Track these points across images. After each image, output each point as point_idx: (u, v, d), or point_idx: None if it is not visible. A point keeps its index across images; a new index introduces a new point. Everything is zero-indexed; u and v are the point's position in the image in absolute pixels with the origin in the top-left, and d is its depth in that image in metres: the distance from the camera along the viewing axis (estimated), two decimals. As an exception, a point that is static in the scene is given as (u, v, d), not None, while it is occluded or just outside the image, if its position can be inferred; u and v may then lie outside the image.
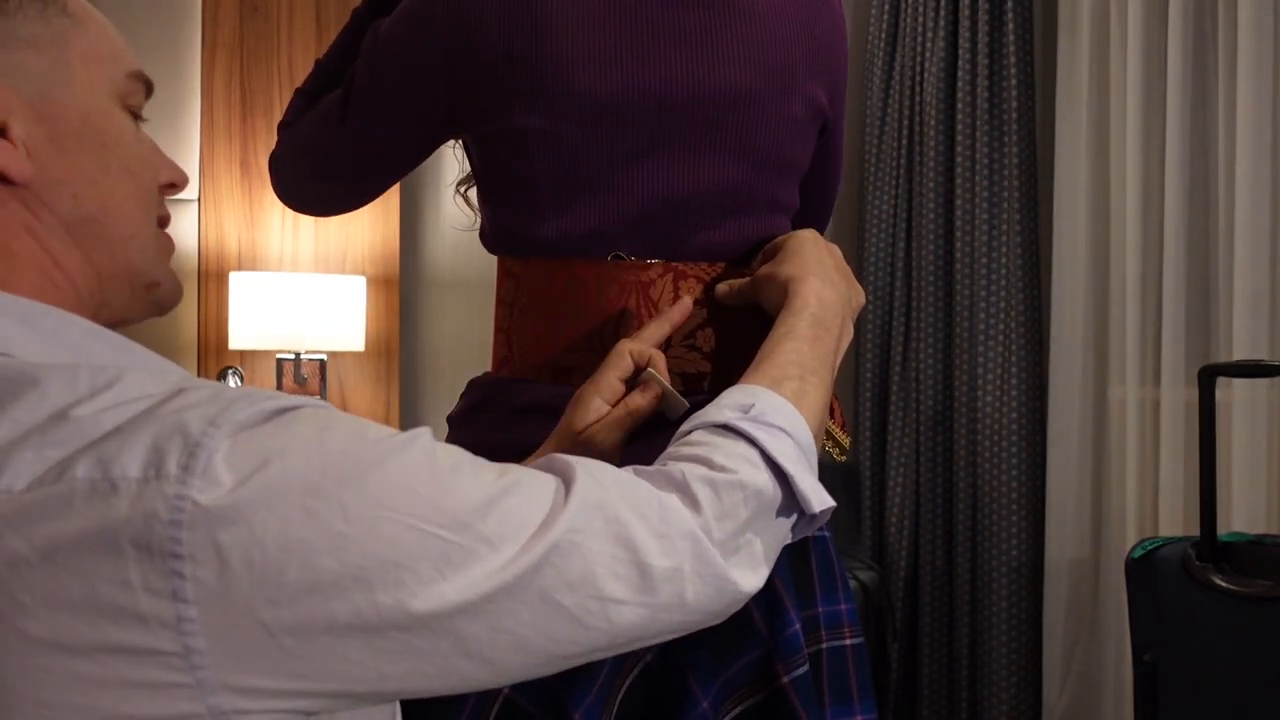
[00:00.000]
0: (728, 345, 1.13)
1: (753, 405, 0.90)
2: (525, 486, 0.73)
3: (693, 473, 0.82)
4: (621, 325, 1.11)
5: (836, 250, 1.11)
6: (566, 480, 0.75)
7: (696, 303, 1.12)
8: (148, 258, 0.81)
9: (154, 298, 0.82)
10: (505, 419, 1.14)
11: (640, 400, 1.04)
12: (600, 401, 1.04)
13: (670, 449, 0.89)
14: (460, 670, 0.69)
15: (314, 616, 0.64)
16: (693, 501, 0.81)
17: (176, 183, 0.84)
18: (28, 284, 0.75)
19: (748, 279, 1.11)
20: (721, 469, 0.84)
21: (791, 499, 0.88)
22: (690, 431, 0.90)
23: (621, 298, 1.11)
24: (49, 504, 0.62)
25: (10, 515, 0.62)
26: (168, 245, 0.84)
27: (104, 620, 0.61)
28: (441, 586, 0.66)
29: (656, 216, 1.11)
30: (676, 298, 1.11)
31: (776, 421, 0.90)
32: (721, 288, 1.12)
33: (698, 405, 1.12)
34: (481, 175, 1.16)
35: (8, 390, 0.66)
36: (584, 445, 1.02)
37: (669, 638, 0.80)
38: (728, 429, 0.88)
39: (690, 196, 1.11)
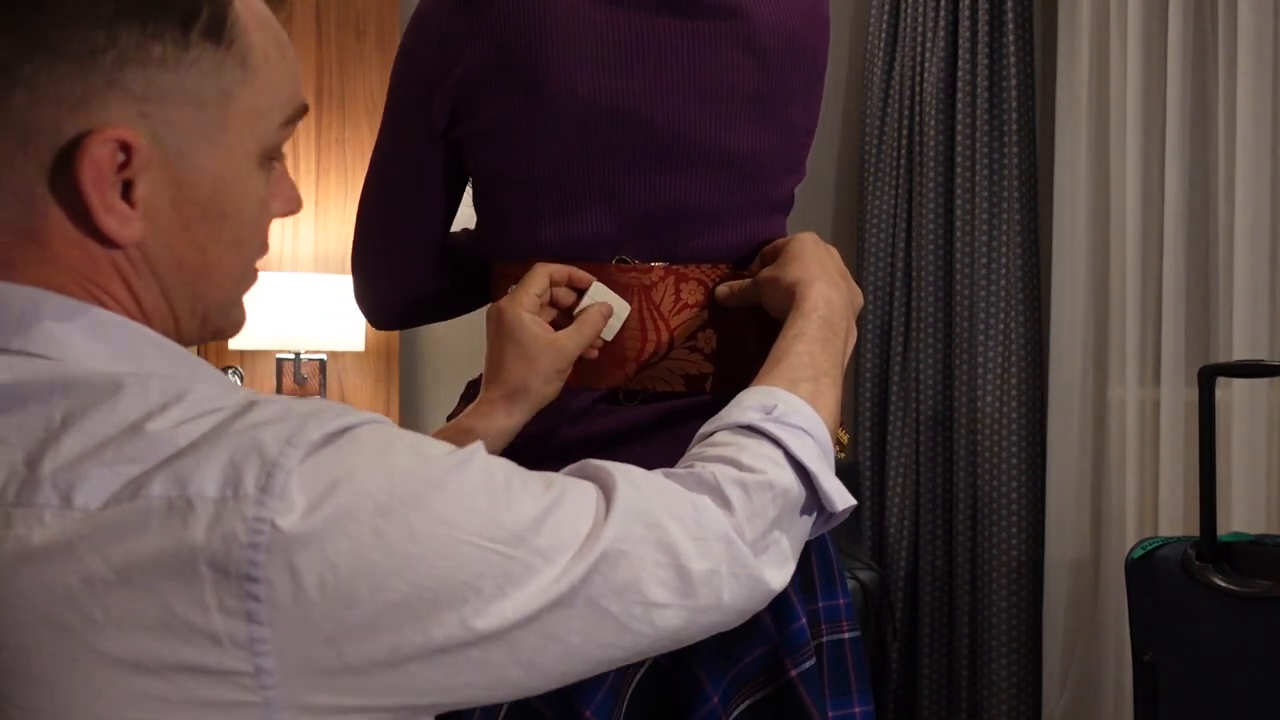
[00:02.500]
0: (729, 346, 1.14)
1: (775, 406, 0.92)
2: (570, 497, 0.74)
3: (723, 474, 0.84)
4: (624, 327, 1.12)
5: (835, 252, 1.13)
6: (606, 488, 0.77)
7: (698, 304, 1.13)
8: (224, 311, 0.80)
9: (213, 332, 0.81)
10: None
11: (596, 317, 1.09)
12: (530, 315, 1.07)
13: (695, 449, 0.91)
14: (511, 679, 0.71)
15: (382, 637, 0.65)
16: (725, 502, 0.83)
17: (289, 213, 0.82)
18: (109, 303, 0.73)
19: (749, 281, 1.12)
20: (750, 469, 0.86)
21: (814, 497, 0.91)
22: (713, 432, 0.92)
23: (624, 300, 1.12)
24: (125, 523, 0.62)
25: (87, 534, 0.62)
26: (251, 281, 0.82)
27: (177, 640, 0.62)
28: (502, 603, 0.68)
29: (659, 221, 1.12)
30: (678, 299, 1.12)
31: (798, 422, 0.92)
32: (722, 289, 1.13)
33: (700, 405, 1.13)
34: (479, 180, 1.17)
35: (79, 402, 0.66)
36: (550, 352, 1.07)
37: (703, 638, 0.82)
38: (752, 429, 0.90)
39: (692, 201, 1.12)
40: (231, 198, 0.75)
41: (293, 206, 0.82)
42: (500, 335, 1.08)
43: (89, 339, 0.71)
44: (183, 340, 0.78)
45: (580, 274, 1.10)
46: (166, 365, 0.73)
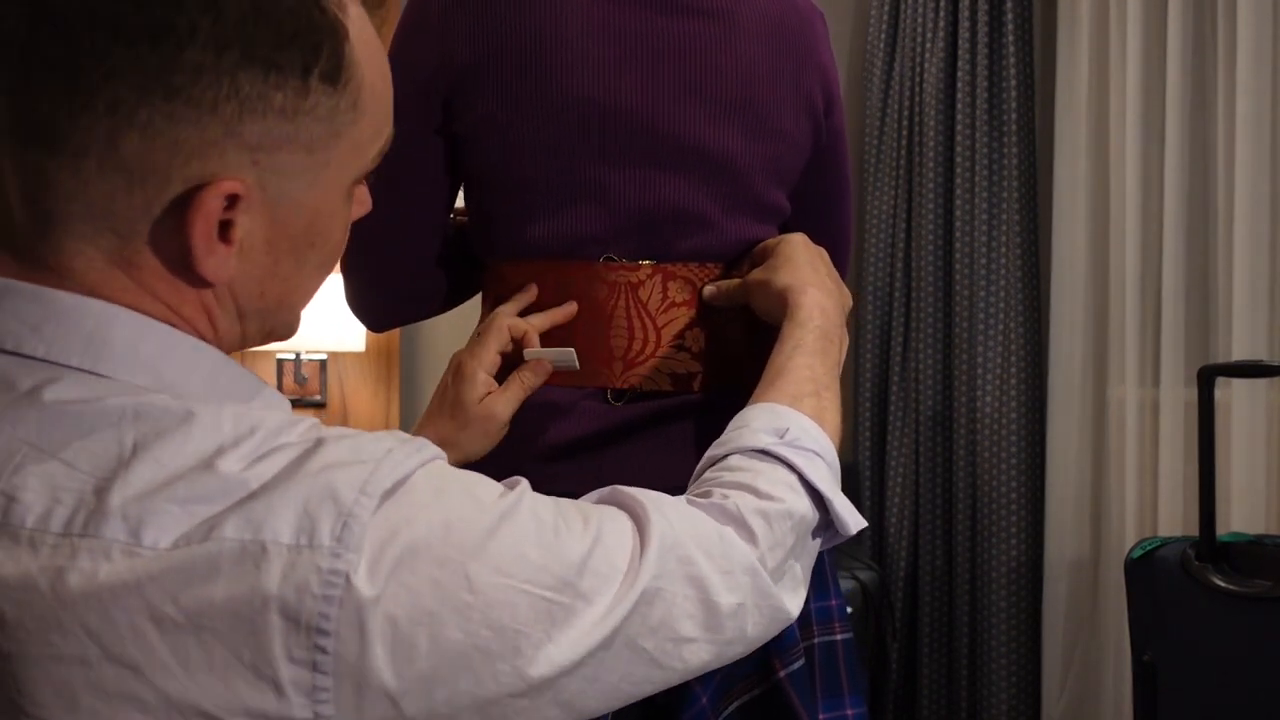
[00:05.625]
0: (717, 346, 1.14)
1: (787, 429, 0.92)
2: (607, 533, 0.74)
3: (745, 504, 0.84)
4: (611, 325, 1.11)
5: (825, 255, 1.12)
6: (639, 519, 0.77)
7: (685, 304, 1.13)
8: (289, 324, 0.79)
9: (273, 340, 0.80)
10: None
11: (533, 378, 1.09)
12: (484, 375, 1.09)
13: (710, 473, 0.91)
14: (548, 717, 0.71)
15: (438, 690, 0.66)
16: (749, 534, 0.83)
17: (361, 215, 0.81)
18: (182, 325, 0.73)
19: (738, 281, 1.12)
20: (769, 497, 0.86)
21: (826, 519, 0.91)
22: (724, 456, 0.92)
23: (611, 298, 1.11)
24: (196, 565, 0.62)
25: (156, 574, 0.61)
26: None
27: (242, 684, 0.62)
28: (549, 649, 0.68)
29: (648, 221, 1.11)
30: (665, 298, 1.12)
31: (809, 445, 0.92)
32: (709, 290, 1.13)
33: (689, 405, 1.13)
34: (471, 177, 1.16)
35: (150, 429, 0.65)
36: (481, 418, 1.08)
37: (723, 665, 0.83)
38: (766, 454, 0.90)
39: (680, 202, 1.12)
40: (322, 230, 0.74)
41: (365, 209, 0.82)
42: (449, 385, 1.10)
43: (156, 361, 0.70)
44: (243, 348, 0.78)
45: (534, 336, 1.10)
46: (230, 387, 0.73)
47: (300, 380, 3.34)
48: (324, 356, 3.35)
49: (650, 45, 1.10)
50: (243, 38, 0.66)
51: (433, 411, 1.10)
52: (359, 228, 1.18)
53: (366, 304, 1.23)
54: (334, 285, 3.51)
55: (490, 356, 1.09)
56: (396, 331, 3.42)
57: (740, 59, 1.12)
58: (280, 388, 3.34)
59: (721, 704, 1.07)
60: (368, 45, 0.73)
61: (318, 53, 0.68)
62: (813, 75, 1.18)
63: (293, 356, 3.32)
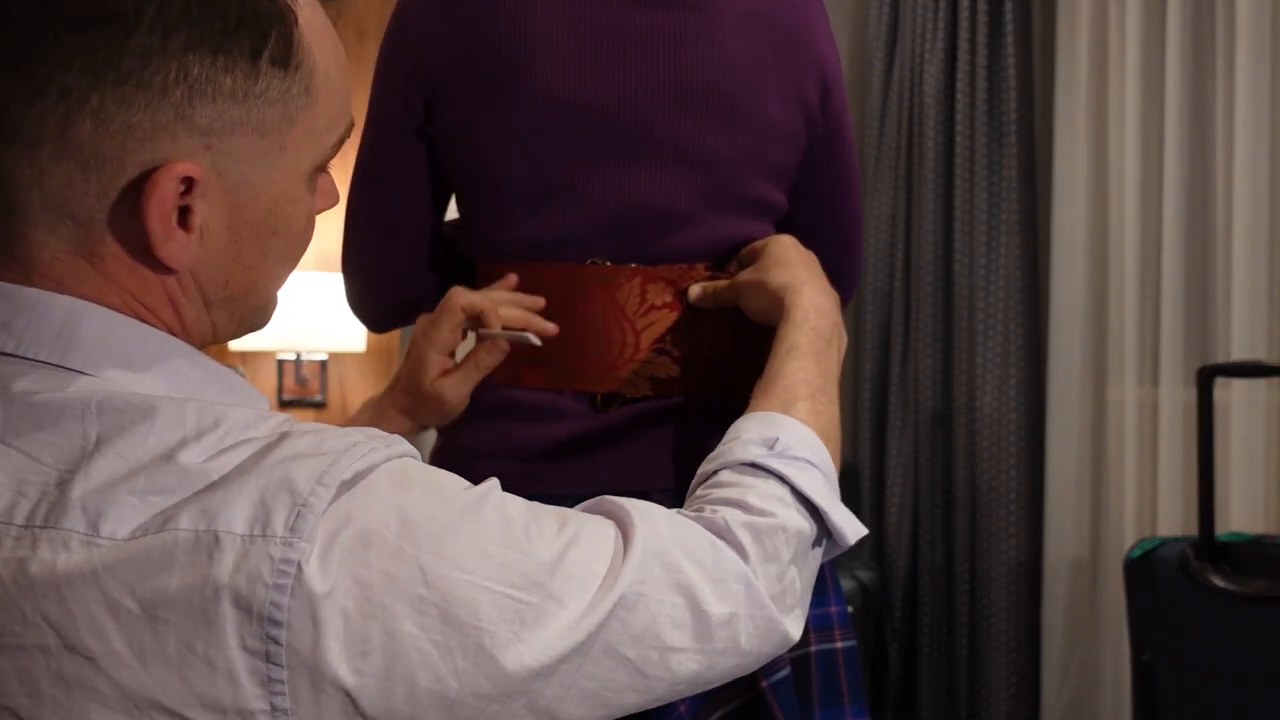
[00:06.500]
0: (699, 349, 1.11)
1: (777, 439, 0.90)
2: (585, 536, 0.73)
3: (734, 519, 0.83)
4: (589, 329, 1.09)
5: (815, 257, 1.09)
6: (623, 526, 0.75)
7: (666, 306, 1.10)
8: (261, 312, 0.79)
9: (247, 330, 0.80)
10: (474, 420, 1.13)
11: (488, 358, 1.08)
12: (436, 355, 1.08)
13: (701, 490, 0.89)
14: None
15: (395, 682, 0.65)
16: (739, 548, 0.81)
17: (327, 208, 0.82)
18: (150, 319, 0.73)
19: (725, 283, 1.09)
20: (760, 512, 0.84)
21: (824, 530, 0.89)
22: (715, 471, 0.90)
23: (587, 301, 1.09)
24: (151, 555, 0.62)
25: (113, 564, 0.62)
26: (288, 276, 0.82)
27: (195, 675, 0.62)
28: (518, 649, 0.67)
29: (627, 220, 1.09)
30: (644, 301, 1.09)
31: (802, 454, 0.90)
32: (694, 290, 1.10)
33: (675, 408, 1.11)
34: (454, 178, 1.15)
35: (113, 423, 0.65)
36: (433, 398, 1.08)
37: (721, 683, 0.81)
38: (756, 467, 0.88)
39: (659, 200, 1.09)
40: (284, 216, 0.74)
41: (331, 202, 0.82)
42: (405, 363, 1.10)
43: (125, 355, 0.70)
44: (216, 341, 0.78)
45: (491, 315, 1.08)
46: (200, 381, 0.73)
47: (300, 380, 3.35)
48: (324, 356, 3.35)
49: (623, 39, 1.08)
50: (188, 21, 0.66)
51: (392, 381, 1.12)
52: (355, 229, 1.19)
53: (366, 305, 1.23)
54: (334, 285, 3.50)
55: (443, 337, 1.08)
56: (397, 331, 3.41)
57: (719, 49, 1.09)
58: (280, 388, 3.35)
59: (701, 715, 1.04)
60: (320, 32, 0.73)
61: (266, 37, 0.69)
62: (804, 61, 1.13)
63: (293, 356, 3.32)
